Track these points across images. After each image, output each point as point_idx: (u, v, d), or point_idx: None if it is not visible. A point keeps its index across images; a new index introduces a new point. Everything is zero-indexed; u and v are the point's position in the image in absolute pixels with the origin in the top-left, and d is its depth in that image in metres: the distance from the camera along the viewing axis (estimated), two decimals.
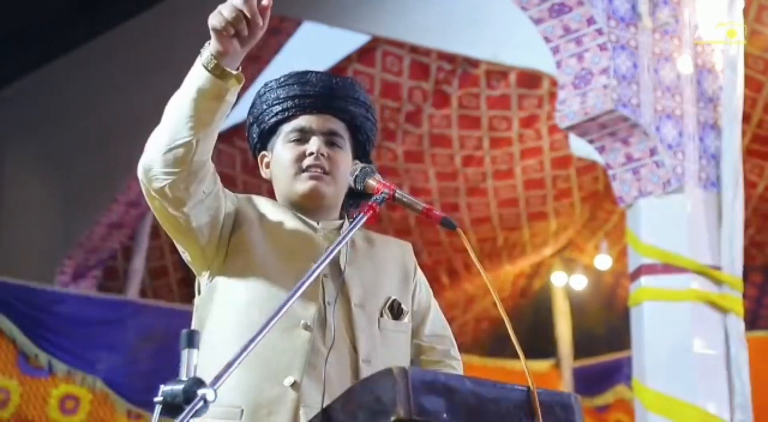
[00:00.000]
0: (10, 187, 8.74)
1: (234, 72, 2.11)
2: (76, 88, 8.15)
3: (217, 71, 2.09)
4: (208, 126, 2.15)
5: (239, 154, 7.97)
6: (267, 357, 2.23)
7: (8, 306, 6.81)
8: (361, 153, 2.49)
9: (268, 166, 2.48)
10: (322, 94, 2.44)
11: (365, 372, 2.30)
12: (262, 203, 2.42)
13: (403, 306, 2.45)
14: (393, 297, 2.43)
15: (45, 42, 8.09)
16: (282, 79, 2.47)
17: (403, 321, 2.43)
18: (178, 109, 2.14)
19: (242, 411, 2.22)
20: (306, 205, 2.42)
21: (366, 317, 2.37)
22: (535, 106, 7.53)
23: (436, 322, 2.56)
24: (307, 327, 2.26)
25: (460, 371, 2.52)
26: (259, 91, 2.49)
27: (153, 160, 2.17)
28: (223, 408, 2.16)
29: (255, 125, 2.48)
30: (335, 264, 2.37)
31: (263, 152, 2.49)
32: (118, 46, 7.99)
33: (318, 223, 2.42)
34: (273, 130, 2.45)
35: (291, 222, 2.40)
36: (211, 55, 2.09)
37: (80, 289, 7.92)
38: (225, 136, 7.33)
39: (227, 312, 2.30)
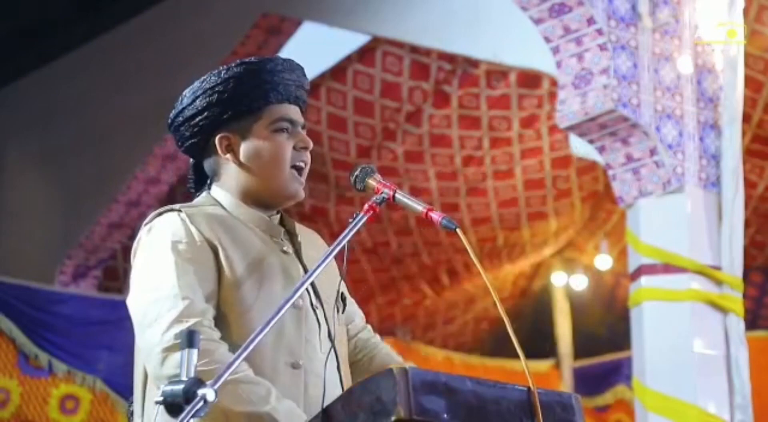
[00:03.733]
0: (10, 186, 8.73)
1: None
2: (76, 88, 8.15)
3: None
4: None
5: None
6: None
7: (8, 306, 6.81)
8: None
9: (230, 149, 2.29)
10: (302, 85, 2.37)
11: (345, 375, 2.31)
12: (204, 221, 2.23)
13: (346, 296, 2.41)
14: (341, 290, 2.37)
15: (45, 42, 8.08)
16: (267, 63, 2.32)
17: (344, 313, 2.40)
18: None
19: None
20: (279, 204, 2.35)
21: (337, 315, 2.35)
22: (535, 106, 7.52)
23: (354, 305, 2.49)
24: (296, 366, 2.21)
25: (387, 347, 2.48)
26: (233, 68, 2.29)
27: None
28: None
29: (226, 103, 2.26)
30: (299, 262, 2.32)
31: (224, 134, 2.28)
32: (118, 46, 7.98)
33: (270, 217, 2.34)
34: (245, 112, 2.28)
35: (250, 238, 2.27)
36: None
37: (80, 289, 7.91)
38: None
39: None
